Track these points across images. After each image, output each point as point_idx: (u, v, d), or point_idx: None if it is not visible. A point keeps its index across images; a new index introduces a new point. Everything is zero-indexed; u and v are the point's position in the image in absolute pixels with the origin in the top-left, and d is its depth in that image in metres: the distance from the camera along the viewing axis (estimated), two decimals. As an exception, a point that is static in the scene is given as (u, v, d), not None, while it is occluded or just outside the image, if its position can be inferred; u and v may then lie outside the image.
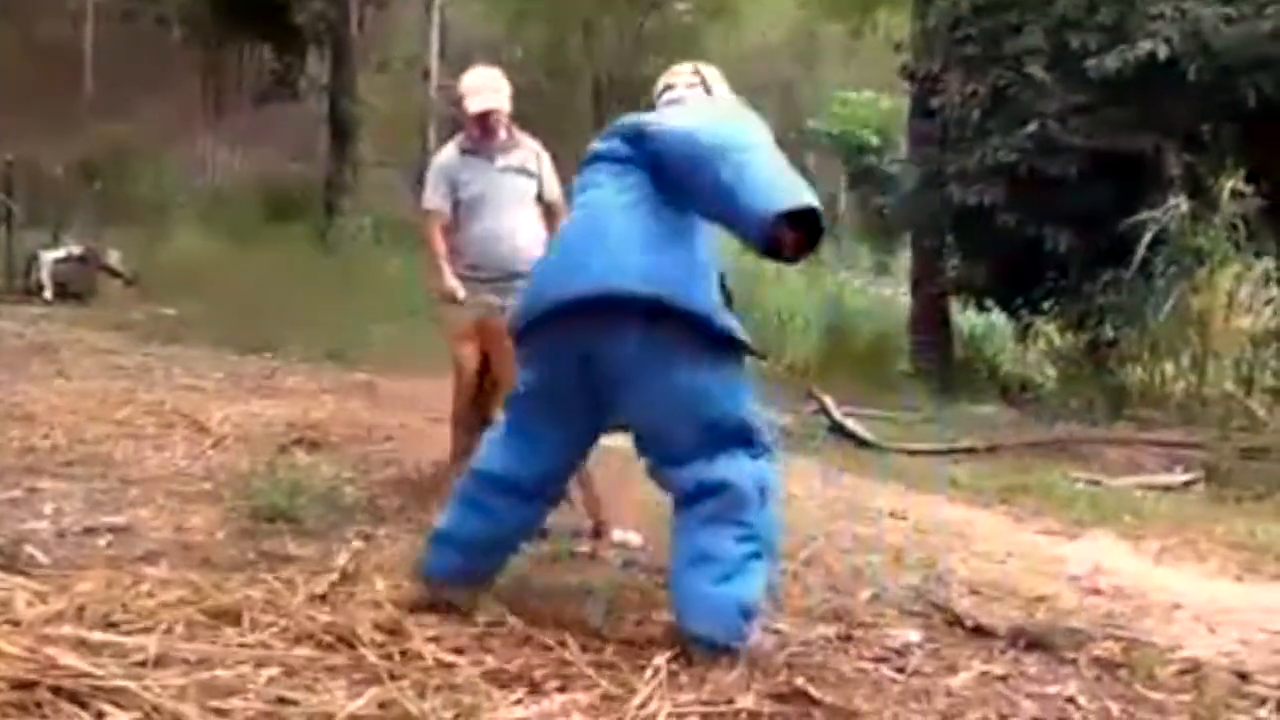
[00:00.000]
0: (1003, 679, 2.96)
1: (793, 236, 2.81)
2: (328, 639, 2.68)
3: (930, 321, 13.93)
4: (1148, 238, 9.63)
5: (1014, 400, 11.09)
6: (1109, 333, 11.14)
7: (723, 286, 3.06)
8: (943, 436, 8.32)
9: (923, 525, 5.13)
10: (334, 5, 18.20)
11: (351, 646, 2.64)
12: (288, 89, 20.98)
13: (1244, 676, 3.15)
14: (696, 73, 3.57)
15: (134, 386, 6.68)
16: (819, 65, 29.37)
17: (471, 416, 4.57)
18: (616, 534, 4.17)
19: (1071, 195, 10.64)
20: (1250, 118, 10.22)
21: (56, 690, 2.25)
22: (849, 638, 3.18)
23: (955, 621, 3.43)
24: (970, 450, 7.70)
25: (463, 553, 3.17)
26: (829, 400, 8.16)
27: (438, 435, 6.18)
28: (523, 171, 4.63)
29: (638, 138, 3.14)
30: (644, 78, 26.30)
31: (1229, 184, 9.49)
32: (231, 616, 2.79)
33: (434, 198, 4.64)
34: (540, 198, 4.65)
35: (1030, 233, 10.88)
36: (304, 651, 2.63)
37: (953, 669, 3.00)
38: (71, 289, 11.96)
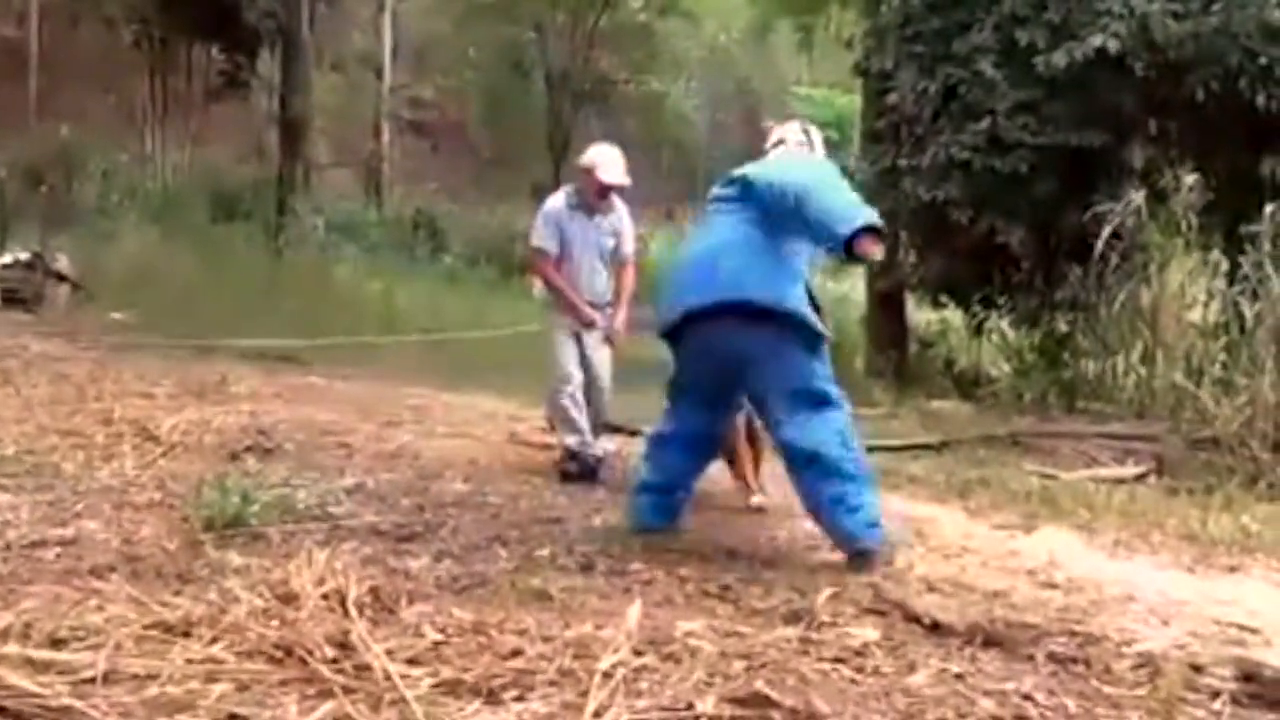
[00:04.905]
0: (960, 677, 2.96)
1: (868, 241, 3.95)
2: (279, 653, 2.64)
3: (885, 318, 14.05)
4: (1107, 231, 9.72)
5: (969, 395, 11.17)
6: (1062, 327, 11.27)
7: (809, 293, 4.29)
8: (899, 432, 8.36)
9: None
10: (284, 4, 18.00)
11: (304, 660, 2.60)
12: (238, 88, 20.74)
13: (1198, 669, 3.17)
14: (805, 131, 4.84)
15: (82, 395, 6.57)
16: (774, 62, 29.48)
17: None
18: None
19: (1024, 191, 10.74)
20: (1198, 113, 10.37)
21: (2, 710, 2.20)
22: (809, 638, 3.18)
23: (913, 619, 3.45)
24: (925, 446, 7.74)
25: (653, 495, 4.49)
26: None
27: (390, 438, 6.14)
28: (612, 234, 5.92)
29: (746, 186, 4.34)
30: (598, 75, 26.25)
31: (1188, 179, 9.59)
32: (181, 631, 2.73)
33: (547, 241, 5.85)
34: (616, 254, 5.94)
35: (984, 229, 10.98)
36: (255, 666, 2.58)
37: (912, 668, 3.01)
38: (19, 296, 11.70)
